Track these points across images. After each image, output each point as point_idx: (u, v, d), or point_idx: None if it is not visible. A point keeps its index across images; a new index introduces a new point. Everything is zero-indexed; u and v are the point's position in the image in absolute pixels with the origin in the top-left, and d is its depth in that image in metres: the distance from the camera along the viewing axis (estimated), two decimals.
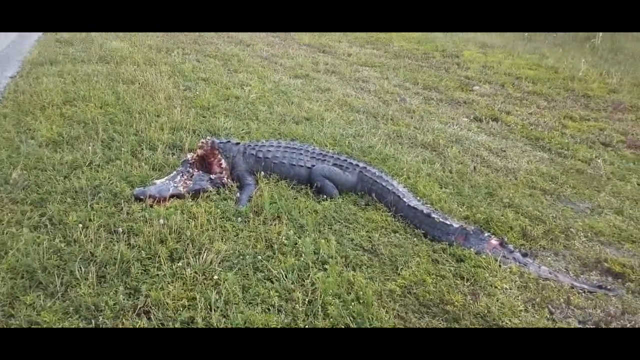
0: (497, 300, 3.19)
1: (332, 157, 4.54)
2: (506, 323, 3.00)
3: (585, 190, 4.99)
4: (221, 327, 2.47)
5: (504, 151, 5.88)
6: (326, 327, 2.85)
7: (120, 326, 2.70)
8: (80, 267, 3.12)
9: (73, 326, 2.70)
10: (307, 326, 2.86)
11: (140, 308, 2.88)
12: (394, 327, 2.68)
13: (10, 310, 2.82)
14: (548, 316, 3.13)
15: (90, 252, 3.28)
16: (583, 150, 6.02)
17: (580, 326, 3.08)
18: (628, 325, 3.07)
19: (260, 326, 2.80)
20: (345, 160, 4.51)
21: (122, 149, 4.74)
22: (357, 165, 4.47)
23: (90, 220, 3.60)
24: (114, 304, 2.87)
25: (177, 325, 2.74)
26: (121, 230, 3.50)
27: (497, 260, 3.56)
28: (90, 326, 2.71)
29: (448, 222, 3.86)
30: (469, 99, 7.93)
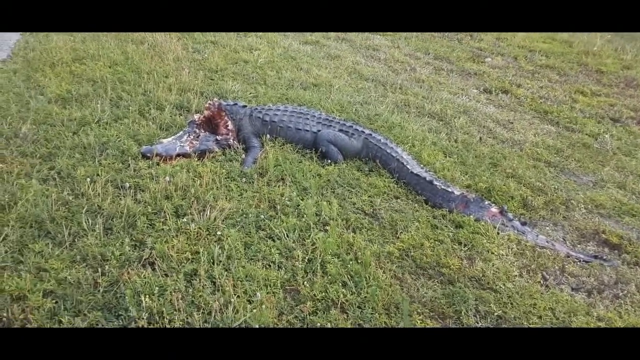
0: (493, 265, 3.25)
1: (338, 123, 4.56)
2: (500, 287, 3.07)
3: (590, 164, 5.00)
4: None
5: (512, 123, 5.86)
6: (325, 284, 2.94)
7: (125, 275, 2.80)
8: (88, 219, 3.21)
9: (79, 274, 2.80)
10: (305, 282, 2.94)
11: (145, 259, 2.98)
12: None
13: (19, 257, 2.92)
14: (541, 282, 3.20)
15: (98, 205, 3.37)
16: (591, 125, 5.98)
17: (572, 293, 3.15)
18: (620, 294, 3.14)
19: (261, 280, 2.89)
20: (351, 127, 4.52)
21: (130, 107, 4.78)
22: (363, 132, 4.49)
23: (97, 175, 3.67)
24: (120, 254, 2.97)
25: (181, 277, 2.83)
26: (128, 186, 3.58)
27: (495, 228, 3.61)
28: (96, 275, 2.82)
29: (450, 190, 3.91)
30: (480, 70, 7.84)
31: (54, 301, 2.63)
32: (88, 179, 3.55)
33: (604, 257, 3.51)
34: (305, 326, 2.69)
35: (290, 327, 2.67)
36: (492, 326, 2.83)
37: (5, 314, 2.51)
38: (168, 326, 2.53)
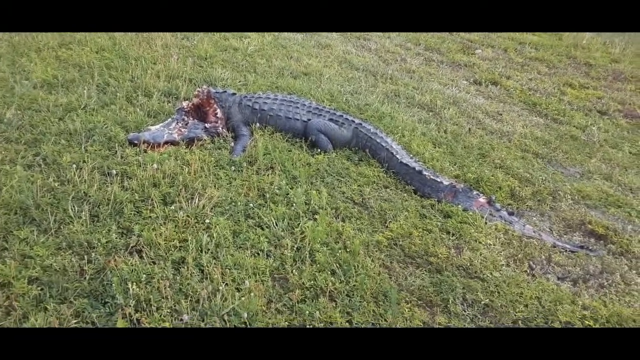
0: (480, 255, 3.28)
1: (329, 112, 4.54)
2: (487, 276, 3.10)
3: (577, 156, 5.04)
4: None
5: (500, 114, 5.88)
6: (313, 272, 2.93)
7: (112, 263, 2.77)
8: (74, 206, 3.17)
9: (65, 261, 2.77)
10: (294, 271, 2.94)
11: (132, 247, 2.95)
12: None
13: (4, 243, 2.88)
14: (528, 271, 3.23)
15: (84, 192, 3.32)
16: (579, 117, 6.03)
17: (558, 282, 3.18)
18: (605, 284, 3.18)
19: (249, 269, 2.87)
20: (341, 116, 4.50)
21: (118, 94, 4.71)
22: (353, 122, 4.48)
23: (84, 161, 3.62)
24: (107, 242, 2.94)
25: (168, 264, 2.81)
26: (115, 173, 3.53)
27: (483, 218, 3.63)
28: (82, 262, 2.78)
29: (438, 180, 3.92)
30: (470, 62, 7.85)
31: (39, 288, 2.60)
32: (74, 166, 3.49)
33: (590, 247, 3.56)
34: (293, 314, 2.69)
35: (279, 314, 2.66)
36: (479, 315, 2.85)
37: None
38: (155, 314, 2.51)
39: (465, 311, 2.86)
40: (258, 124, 4.46)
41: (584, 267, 3.32)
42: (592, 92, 6.99)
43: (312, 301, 2.77)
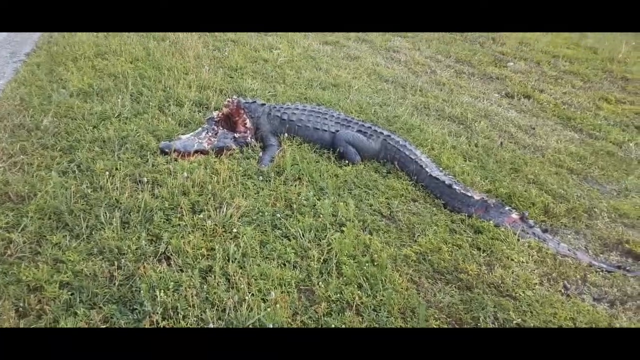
0: (512, 272, 3.18)
1: (357, 123, 4.52)
2: (519, 294, 3.00)
3: (614, 173, 4.88)
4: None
5: (534, 129, 5.75)
6: (340, 285, 2.90)
7: (141, 269, 2.80)
8: (106, 212, 3.22)
9: (96, 266, 2.81)
10: (320, 283, 2.91)
11: (161, 254, 2.98)
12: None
13: (37, 247, 2.95)
14: (563, 291, 3.11)
15: (116, 199, 3.38)
16: (615, 133, 5.84)
17: (594, 303, 3.06)
18: None
19: (276, 279, 2.86)
20: (370, 128, 4.48)
21: (150, 103, 4.80)
22: (382, 133, 4.44)
23: (116, 169, 3.69)
24: (136, 249, 2.97)
25: (196, 273, 2.82)
26: (146, 180, 3.59)
27: (515, 234, 3.53)
28: (112, 268, 2.82)
29: (469, 194, 3.84)
30: (502, 74, 7.73)
31: (70, 293, 2.64)
32: (107, 173, 3.56)
33: (628, 268, 3.41)
34: (319, 327, 2.65)
35: (304, 327, 2.63)
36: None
37: (22, 304, 2.53)
38: (182, 322, 2.52)
39: None
40: (286, 135, 4.47)
41: (621, 288, 3.19)
42: (629, 107, 6.78)
43: (338, 314, 2.73)
